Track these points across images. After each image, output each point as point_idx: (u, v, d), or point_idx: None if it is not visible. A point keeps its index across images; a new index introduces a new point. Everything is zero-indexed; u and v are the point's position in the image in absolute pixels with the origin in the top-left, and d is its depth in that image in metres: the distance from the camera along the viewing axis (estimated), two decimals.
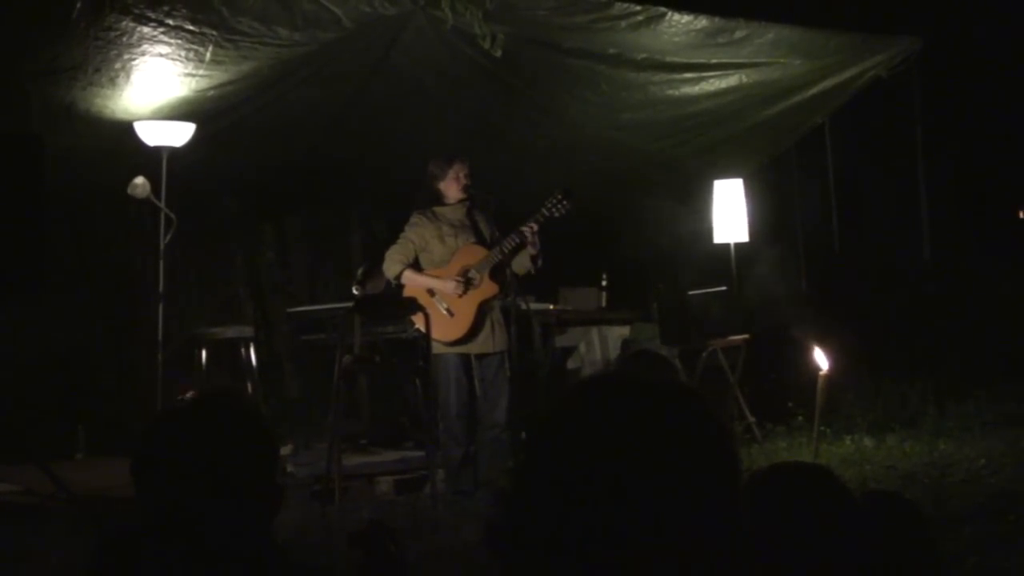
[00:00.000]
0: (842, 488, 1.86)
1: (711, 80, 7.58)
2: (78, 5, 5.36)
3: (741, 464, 1.16)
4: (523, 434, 6.07)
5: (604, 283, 8.52)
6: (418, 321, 6.09)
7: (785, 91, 7.87)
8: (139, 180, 6.62)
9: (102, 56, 5.89)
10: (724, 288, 7.85)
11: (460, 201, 6.19)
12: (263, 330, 8.58)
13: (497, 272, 6.10)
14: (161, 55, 5.97)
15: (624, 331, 8.39)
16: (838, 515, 1.81)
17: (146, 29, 5.73)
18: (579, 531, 1.09)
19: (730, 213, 8.20)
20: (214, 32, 5.88)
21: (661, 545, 1.08)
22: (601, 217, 9.09)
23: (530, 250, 6.04)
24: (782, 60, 7.41)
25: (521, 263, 6.13)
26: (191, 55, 6.02)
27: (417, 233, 6.18)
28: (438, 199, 6.20)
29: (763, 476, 1.88)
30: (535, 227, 5.97)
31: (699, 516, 1.09)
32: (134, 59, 5.97)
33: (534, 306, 6.87)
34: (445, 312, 6.06)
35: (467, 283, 6.07)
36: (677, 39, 6.89)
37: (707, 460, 1.12)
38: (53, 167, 5.57)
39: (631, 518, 1.08)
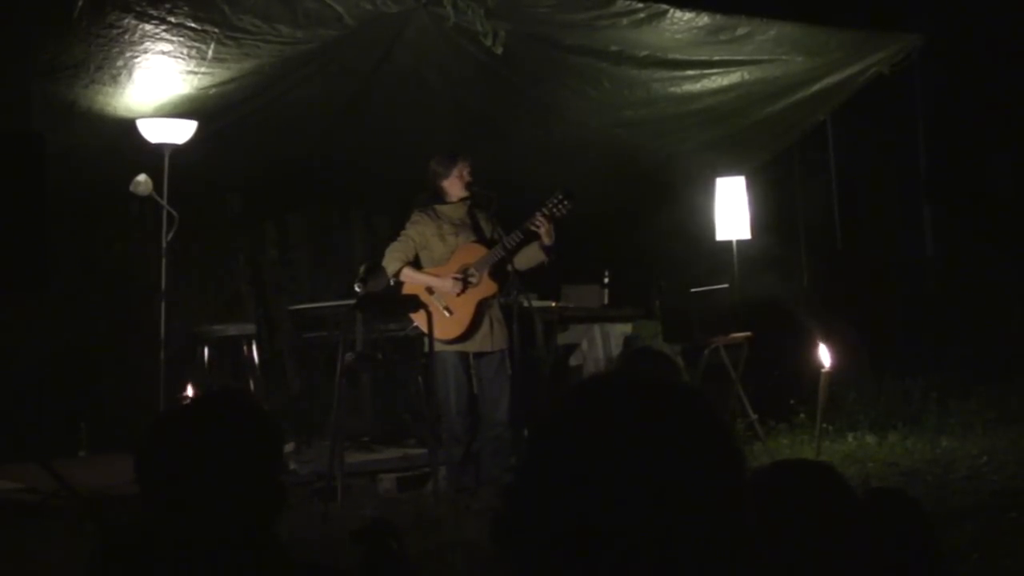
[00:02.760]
0: (844, 485, 1.86)
1: (713, 77, 7.57)
2: (80, 3, 5.35)
3: (744, 462, 1.16)
4: (525, 432, 6.09)
5: (606, 280, 8.51)
6: (418, 320, 6.08)
7: (787, 88, 7.86)
8: (141, 178, 6.62)
9: (104, 54, 5.89)
10: (726, 285, 7.84)
11: (461, 199, 6.18)
12: (265, 328, 8.57)
13: (497, 271, 6.08)
14: (163, 52, 5.97)
15: (626, 328, 8.37)
16: (840, 512, 1.81)
17: (148, 27, 5.73)
18: (582, 529, 1.09)
19: (732, 210, 8.19)
20: (216, 30, 5.88)
21: (664, 543, 1.08)
22: (603, 214, 9.08)
23: (545, 239, 6.00)
24: (784, 57, 7.40)
25: (531, 256, 6.10)
26: (193, 52, 6.02)
27: (417, 231, 6.17)
28: (440, 197, 6.19)
29: (765, 474, 1.88)
30: (547, 214, 5.93)
31: (702, 514, 1.10)
32: (136, 57, 5.97)
33: (536, 303, 6.86)
34: (444, 311, 6.05)
35: (465, 282, 6.06)
36: (679, 36, 6.88)
37: (710, 458, 1.12)
38: (55, 165, 5.56)
39: (634, 516, 1.08)
